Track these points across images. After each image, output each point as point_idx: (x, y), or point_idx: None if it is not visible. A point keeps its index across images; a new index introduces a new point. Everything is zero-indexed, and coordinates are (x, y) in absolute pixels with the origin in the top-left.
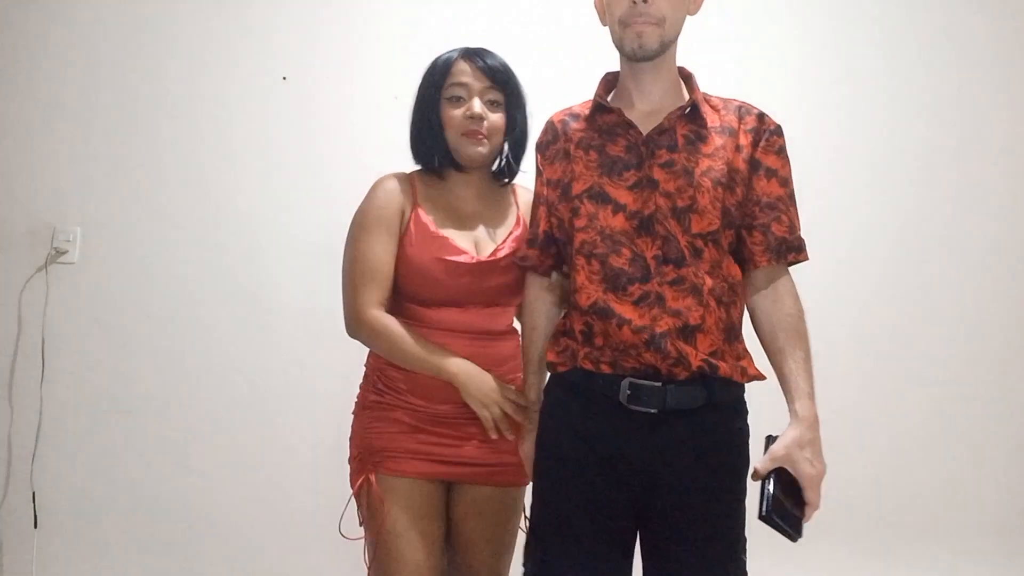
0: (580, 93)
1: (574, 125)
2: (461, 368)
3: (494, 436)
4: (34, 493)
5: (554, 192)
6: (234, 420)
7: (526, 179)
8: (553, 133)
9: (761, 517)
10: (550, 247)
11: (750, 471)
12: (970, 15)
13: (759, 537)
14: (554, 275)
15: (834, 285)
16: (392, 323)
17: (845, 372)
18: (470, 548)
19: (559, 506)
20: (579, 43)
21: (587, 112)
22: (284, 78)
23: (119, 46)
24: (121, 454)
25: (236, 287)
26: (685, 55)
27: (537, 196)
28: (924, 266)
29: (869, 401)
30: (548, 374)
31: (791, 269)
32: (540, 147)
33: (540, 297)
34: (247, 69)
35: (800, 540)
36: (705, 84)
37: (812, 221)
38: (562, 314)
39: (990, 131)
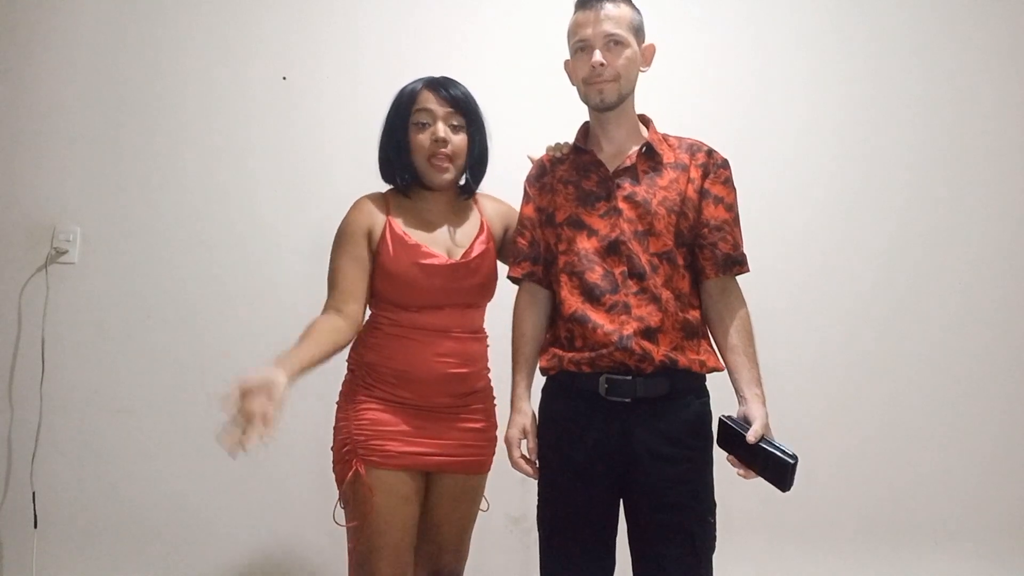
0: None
1: (558, 164)
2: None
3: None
4: (34, 493)
5: (542, 218)
6: None
7: (488, 187)
8: (541, 169)
9: (794, 462)
10: (548, 264)
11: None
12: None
13: (759, 540)
14: (544, 291)
15: (834, 285)
16: (314, 323)
17: (844, 372)
18: (439, 527)
19: (557, 483)
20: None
21: (567, 153)
22: (284, 78)
23: (119, 46)
24: (121, 454)
25: (235, 287)
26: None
27: (531, 220)
28: (924, 265)
29: (869, 401)
30: (542, 377)
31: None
32: (531, 180)
33: (530, 308)
34: (247, 69)
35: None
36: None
37: (810, 222)
38: (546, 326)
39: (986, 131)
